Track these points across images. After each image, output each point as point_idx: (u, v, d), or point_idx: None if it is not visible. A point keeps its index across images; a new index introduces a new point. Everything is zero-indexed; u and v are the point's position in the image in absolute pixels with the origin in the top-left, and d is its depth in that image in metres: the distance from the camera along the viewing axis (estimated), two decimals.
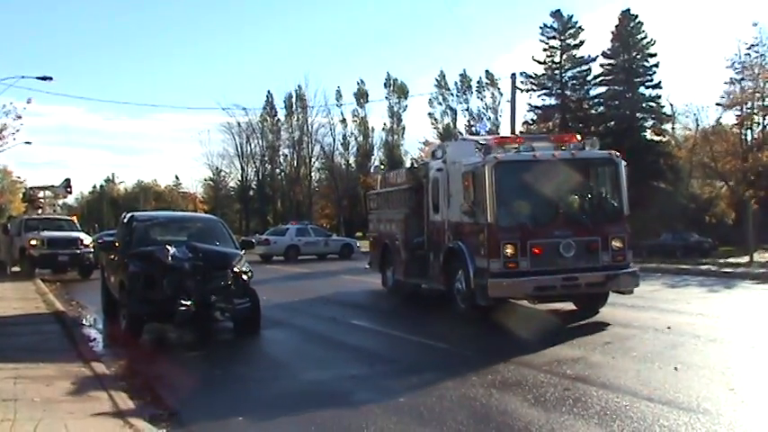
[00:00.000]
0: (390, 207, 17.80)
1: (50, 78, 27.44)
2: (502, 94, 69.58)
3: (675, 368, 8.57)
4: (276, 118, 79.94)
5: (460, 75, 75.72)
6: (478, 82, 74.61)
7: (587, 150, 12.96)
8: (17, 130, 31.94)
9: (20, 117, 30.78)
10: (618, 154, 13.09)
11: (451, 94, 76.03)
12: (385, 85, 78.39)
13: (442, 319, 13.59)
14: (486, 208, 12.10)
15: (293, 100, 78.08)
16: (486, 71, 73.99)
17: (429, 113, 76.74)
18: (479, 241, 12.34)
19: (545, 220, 12.35)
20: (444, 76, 76.10)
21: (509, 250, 11.83)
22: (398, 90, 77.89)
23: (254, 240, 18.97)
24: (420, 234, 15.46)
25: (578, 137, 13.87)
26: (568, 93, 56.49)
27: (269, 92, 79.62)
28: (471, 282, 12.37)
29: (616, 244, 12.31)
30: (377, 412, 6.99)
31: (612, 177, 12.98)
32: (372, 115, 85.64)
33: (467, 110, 76.00)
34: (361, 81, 78.86)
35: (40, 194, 30.84)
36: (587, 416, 6.68)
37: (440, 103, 76.25)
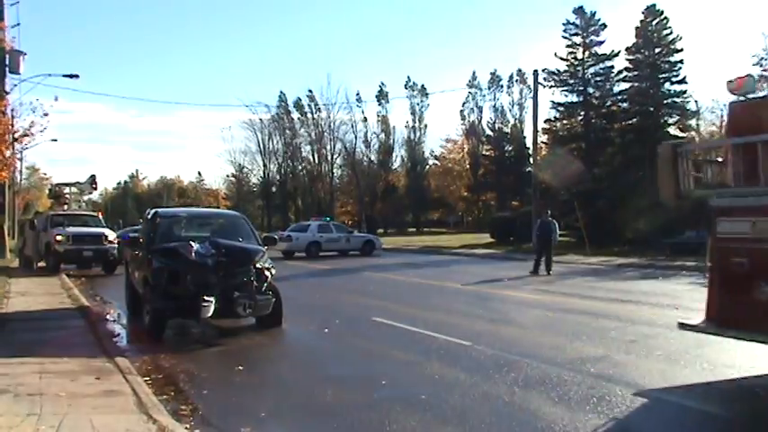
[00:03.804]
0: None
1: (77, 76, 27.83)
2: (531, 91, 70.74)
3: (702, 367, 8.46)
4: (293, 115, 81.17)
5: (491, 73, 78.19)
6: (509, 79, 76.36)
7: None
8: (44, 128, 32.19)
9: (46, 114, 31.01)
10: None
11: (479, 90, 77.51)
12: (405, 86, 79.75)
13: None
14: None
15: (308, 99, 79.54)
16: (519, 69, 76.64)
17: (460, 111, 79.18)
18: None
19: None
20: (476, 75, 77.99)
21: None
22: (420, 91, 79.39)
23: (276, 237, 18.93)
24: None
25: None
26: (591, 90, 55.87)
27: (281, 92, 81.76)
28: None
29: None
30: (398, 410, 6.96)
31: None
32: (394, 112, 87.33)
33: (494, 107, 77.19)
34: (382, 84, 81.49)
35: (66, 191, 31.17)
36: (612, 415, 6.61)
37: (468, 102, 78.04)
